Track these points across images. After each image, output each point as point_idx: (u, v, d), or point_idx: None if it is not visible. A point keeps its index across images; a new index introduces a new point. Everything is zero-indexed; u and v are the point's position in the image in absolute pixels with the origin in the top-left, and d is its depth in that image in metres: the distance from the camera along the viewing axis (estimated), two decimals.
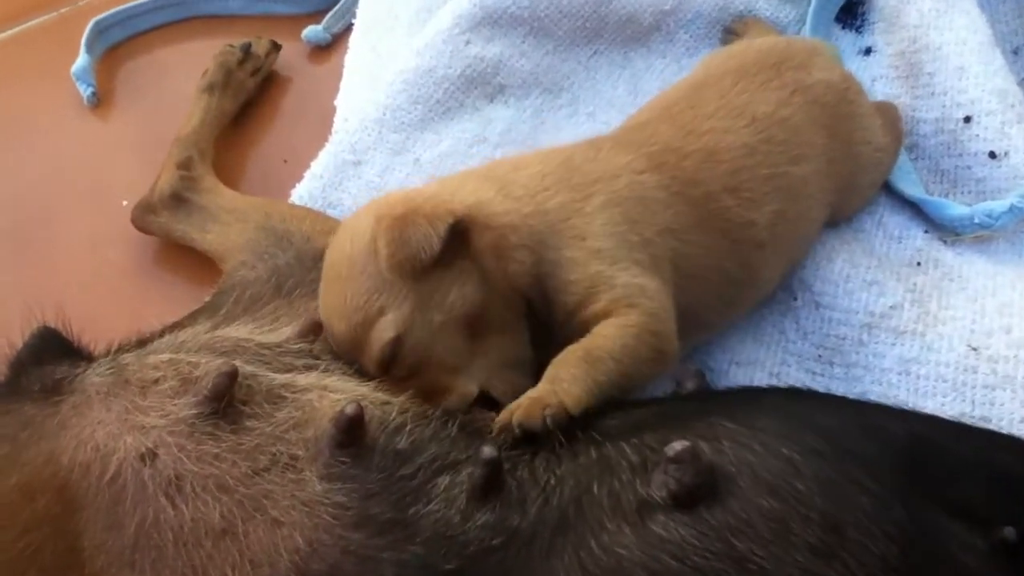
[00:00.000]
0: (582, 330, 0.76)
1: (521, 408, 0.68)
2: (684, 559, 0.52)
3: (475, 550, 0.57)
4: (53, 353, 0.76)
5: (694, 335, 0.90)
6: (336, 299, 0.77)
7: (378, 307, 0.74)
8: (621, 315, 0.75)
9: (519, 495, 0.59)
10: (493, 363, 0.78)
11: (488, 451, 0.58)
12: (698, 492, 0.54)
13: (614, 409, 0.68)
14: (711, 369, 0.93)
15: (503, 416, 0.68)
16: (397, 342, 0.74)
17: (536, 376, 0.74)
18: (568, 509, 0.57)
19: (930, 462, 0.57)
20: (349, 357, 0.78)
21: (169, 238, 1.11)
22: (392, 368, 0.75)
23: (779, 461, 0.54)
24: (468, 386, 0.76)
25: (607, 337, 0.74)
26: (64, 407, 0.68)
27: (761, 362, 0.93)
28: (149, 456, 0.63)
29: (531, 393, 0.70)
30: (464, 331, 0.76)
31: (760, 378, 0.92)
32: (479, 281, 0.76)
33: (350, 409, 0.60)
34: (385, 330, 0.74)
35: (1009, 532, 0.52)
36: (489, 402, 0.76)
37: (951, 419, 0.76)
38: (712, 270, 0.85)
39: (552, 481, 0.60)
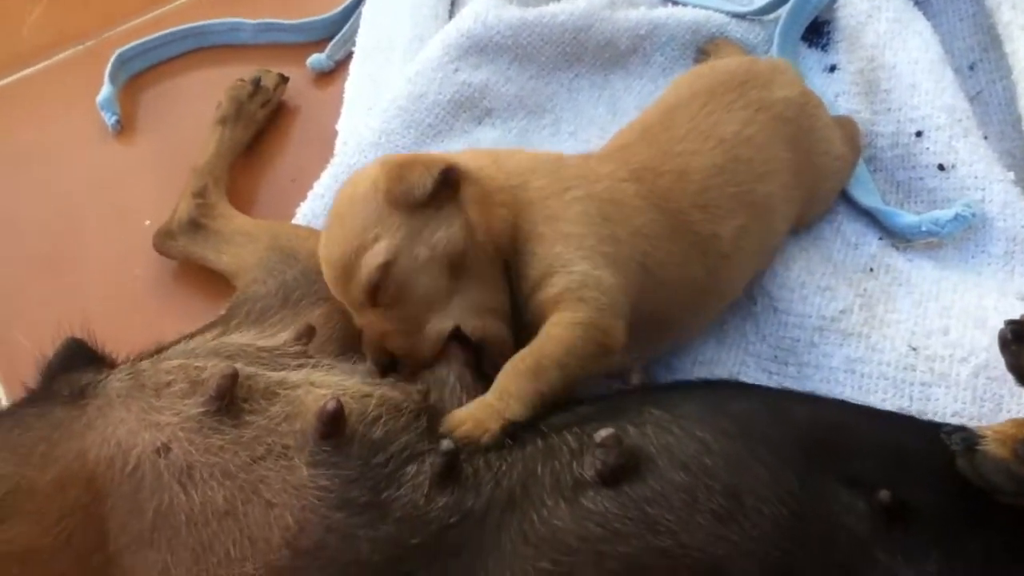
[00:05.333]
0: (538, 313, 0.84)
1: (463, 427, 0.75)
2: (606, 526, 0.62)
3: (436, 528, 0.66)
4: (80, 361, 0.86)
5: (665, 340, 0.97)
6: (335, 230, 0.87)
7: (373, 235, 0.83)
8: (569, 309, 0.82)
9: (475, 480, 0.68)
10: (469, 304, 0.85)
11: (447, 444, 0.68)
12: (621, 471, 0.63)
13: (562, 407, 0.77)
14: (676, 369, 1.00)
15: (447, 427, 0.76)
16: (385, 267, 0.82)
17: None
18: (515, 490, 0.67)
19: (828, 439, 0.66)
20: (339, 289, 0.86)
21: (187, 260, 1.20)
22: (377, 294, 0.83)
23: (694, 442, 0.64)
24: (444, 322, 0.84)
25: (554, 339, 0.81)
26: (90, 409, 0.77)
27: (722, 362, 1.01)
28: (164, 450, 0.72)
29: (475, 410, 0.77)
30: (446, 271, 0.84)
31: (720, 376, 0.99)
32: (464, 227, 0.85)
33: (331, 405, 0.70)
34: (376, 255, 0.83)
35: (884, 495, 0.61)
36: (464, 341, 0.83)
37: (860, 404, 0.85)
38: (681, 277, 0.92)
39: (503, 467, 0.69)
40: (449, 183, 0.84)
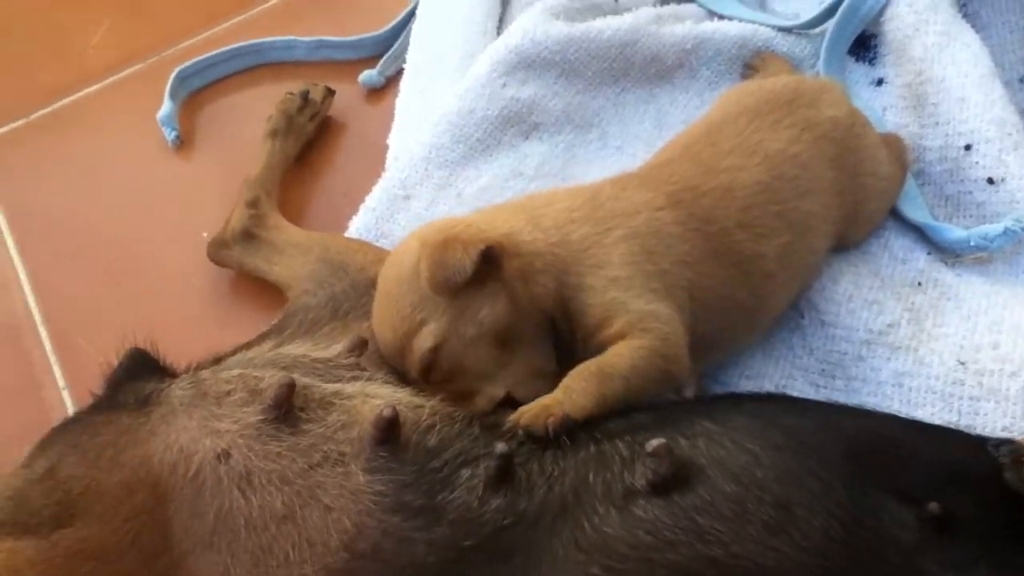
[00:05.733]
0: (600, 350, 0.85)
1: (529, 413, 0.78)
2: (656, 534, 0.64)
3: (490, 529, 0.69)
4: (143, 371, 0.89)
5: (713, 356, 0.98)
6: (385, 312, 0.89)
7: (419, 320, 0.86)
8: (635, 337, 0.84)
9: (528, 484, 0.70)
10: (519, 371, 0.88)
11: (501, 447, 0.70)
12: (672, 480, 0.65)
13: (616, 414, 0.79)
14: (722, 382, 1.01)
15: (514, 416, 0.79)
16: (435, 350, 0.85)
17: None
18: (568, 496, 0.69)
19: (877, 453, 0.67)
20: (395, 363, 0.89)
21: (241, 270, 1.24)
22: (431, 373, 0.86)
23: (744, 454, 0.65)
24: (495, 389, 0.87)
25: (620, 356, 0.83)
26: (154, 417, 0.80)
27: (769, 375, 1.01)
28: (224, 456, 0.75)
29: (542, 399, 0.80)
30: (494, 343, 0.87)
31: (767, 390, 0.99)
32: (508, 300, 0.86)
33: (387, 412, 0.73)
34: (425, 340, 0.85)
35: (934, 507, 0.61)
36: (515, 405, 0.85)
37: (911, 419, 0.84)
38: (725, 299, 0.92)
39: (556, 472, 0.71)
40: (490, 261, 0.85)
